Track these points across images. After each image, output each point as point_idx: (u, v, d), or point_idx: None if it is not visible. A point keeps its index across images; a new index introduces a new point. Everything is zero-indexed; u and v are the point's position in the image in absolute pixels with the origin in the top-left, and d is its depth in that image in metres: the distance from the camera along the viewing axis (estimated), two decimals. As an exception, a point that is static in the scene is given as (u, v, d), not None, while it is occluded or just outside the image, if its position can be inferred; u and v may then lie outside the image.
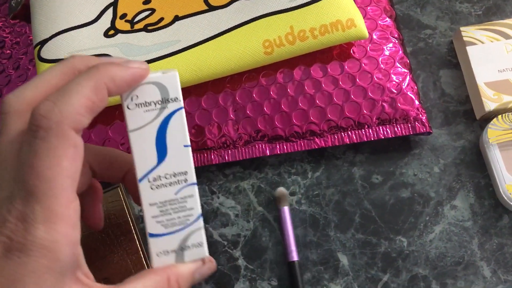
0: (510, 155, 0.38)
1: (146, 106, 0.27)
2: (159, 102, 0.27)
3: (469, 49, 0.41)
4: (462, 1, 0.45)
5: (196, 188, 0.28)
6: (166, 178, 0.27)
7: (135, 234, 0.37)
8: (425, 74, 0.43)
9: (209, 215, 0.39)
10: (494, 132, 0.38)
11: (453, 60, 0.43)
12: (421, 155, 0.40)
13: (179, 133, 0.28)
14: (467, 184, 0.39)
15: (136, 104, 0.27)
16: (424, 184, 0.39)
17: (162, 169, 0.27)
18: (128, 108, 0.27)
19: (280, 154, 0.41)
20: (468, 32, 0.41)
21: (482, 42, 0.41)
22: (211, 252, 0.38)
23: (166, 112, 0.27)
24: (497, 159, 0.38)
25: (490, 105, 0.39)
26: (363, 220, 0.39)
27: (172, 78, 0.28)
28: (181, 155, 0.28)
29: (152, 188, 0.27)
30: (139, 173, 0.27)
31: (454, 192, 0.39)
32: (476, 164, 0.40)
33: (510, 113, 0.39)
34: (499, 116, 0.39)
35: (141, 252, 0.37)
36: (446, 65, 0.43)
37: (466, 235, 0.38)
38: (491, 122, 0.39)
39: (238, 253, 0.38)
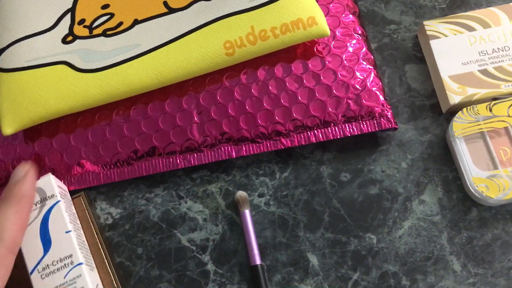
0: (476, 148, 0.38)
1: None
2: (39, 202, 0.33)
3: (432, 43, 0.41)
4: (426, -6, 0.45)
5: (83, 267, 0.32)
6: (53, 265, 0.32)
7: (100, 246, 0.36)
8: (390, 69, 0.42)
9: (177, 220, 0.39)
10: (459, 125, 0.38)
11: (418, 55, 0.43)
12: (388, 151, 0.40)
13: (60, 222, 0.33)
14: (435, 178, 0.39)
15: None
16: (392, 180, 0.39)
17: (49, 258, 0.32)
18: None
19: (247, 155, 0.40)
20: (432, 26, 0.41)
21: (446, 36, 0.41)
22: (180, 258, 0.38)
23: (45, 209, 0.33)
24: (463, 152, 0.38)
25: (454, 98, 0.39)
26: (332, 219, 0.38)
27: (46, 180, 0.34)
28: (64, 241, 0.32)
29: (42, 278, 0.31)
30: (29, 267, 0.32)
31: (422, 187, 0.39)
32: (444, 158, 0.40)
33: (475, 106, 0.39)
34: (464, 109, 0.39)
35: (107, 265, 0.36)
36: (412, 59, 0.43)
37: (435, 230, 0.38)
38: (456, 115, 0.38)
39: (207, 257, 0.38)
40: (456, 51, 0.40)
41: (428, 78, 0.42)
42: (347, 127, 0.39)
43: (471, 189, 0.37)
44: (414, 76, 0.42)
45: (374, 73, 0.40)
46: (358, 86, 0.39)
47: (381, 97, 0.39)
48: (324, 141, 0.40)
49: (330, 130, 0.39)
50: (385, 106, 0.39)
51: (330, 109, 0.39)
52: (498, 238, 0.37)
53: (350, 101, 0.39)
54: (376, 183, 0.39)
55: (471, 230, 0.37)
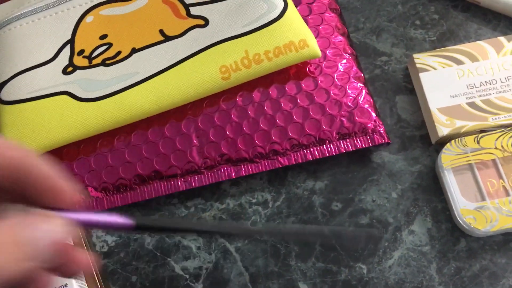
0: (464, 179, 0.39)
1: None
2: None
3: (422, 75, 0.42)
4: (416, 27, 0.46)
5: None
6: None
7: (95, 275, 0.37)
8: (381, 100, 0.44)
9: (171, 249, 0.39)
10: (448, 157, 0.39)
11: (408, 86, 0.44)
12: (379, 181, 0.41)
13: None
14: (424, 209, 0.40)
15: None
16: (382, 209, 0.40)
17: None
18: None
19: (240, 184, 0.41)
20: (421, 59, 0.42)
21: (435, 69, 0.42)
22: (173, 287, 0.38)
23: None
24: (451, 183, 0.39)
25: (443, 130, 0.40)
26: (323, 248, 0.39)
27: None
28: None
29: None
30: None
31: (411, 217, 0.40)
32: (433, 189, 0.40)
33: (463, 138, 0.40)
34: (453, 141, 0.40)
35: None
36: (402, 91, 0.44)
37: (424, 260, 0.38)
38: (445, 147, 0.39)
39: (200, 286, 0.38)
40: (444, 84, 0.41)
41: (418, 109, 0.43)
42: (342, 143, 0.40)
43: (459, 220, 0.38)
44: (404, 107, 0.43)
45: (365, 91, 0.41)
46: (350, 104, 0.40)
47: (373, 114, 0.40)
48: (315, 171, 0.41)
49: (325, 148, 0.40)
50: (377, 122, 0.40)
51: (324, 127, 0.40)
52: (486, 269, 0.38)
53: (343, 119, 0.40)
54: (367, 213, 0.40)
55: (459, 260, 0.38)
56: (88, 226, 0.24)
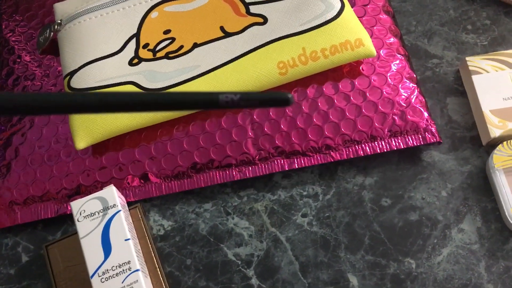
0: (515, 181, 0.39)
1: (92, 216, 0.35)
2: (101, 211, 0.35)
3: (474, 78, 0.43)
4: (468, 32, 0.47)
5: (139, 274, 0.34)
6: (112, 270, 0.34)
7: (153, 254, 0.39)
8: (432, 101, 0.44)
9: (224, 235, 0.41)
10: (499, 158, 0.40)
11: (459, 88, 0.45)
12: (429, 179, 0.42)
13: (120, 230, 0.35)
14: (474, 208, 0.40)
15: (84, 217, 0.35)
16: (432, 207, 0.41)
17: (108, 263, 0.34)
18: (78, 221, 0.35)
19: (292, 177, 0.42)
20: (474, 61, 0.43)
21: (487, 72, 0.43)
22: (226, 271, 0.40)
23: (107, 217, 0.35)
24: (502, 184, 0.39)
25: (495, 132, 0.41)
26: (372, 242, 0.40)
27: (109, 191, 0.36)
28: (123, 248, 0.35)
29: (102, 281, 0.34)
30: (90, 271, 0.34)
31: (461, 216, 0.40)
32: (483, 189, 0.41)
33: (515, 140, 0.40)
34: (505, 143, 0.40)
35: (159, 273, 0.38)
36: (453, 93, 0.45)
37: (473, 258, 0.39)
38: (497, 148, 0.40)
39: (252, 272, 0.40)
40: (497, 86, 0.42)
41: (468, 111, 0.44)
42: (393, 141, 0.41)
43: (510, 220, 0.38)
44: (455, 108, 0.44)
45: (417, 91, 0.42)
46: (402, 103, 0.41)
47: (425, 113, 0.41)
48: (365, 167, 0.42)
49: (377, 144, 0.41)
50: (429, 121, 0.41)
51: (376, 124, 0.41)
52: (536, 269, 0.38)
53: (395, 117, 0.41)
54: (416, 210, 0.41)
55: (508, 260, 0.39)
56: None
